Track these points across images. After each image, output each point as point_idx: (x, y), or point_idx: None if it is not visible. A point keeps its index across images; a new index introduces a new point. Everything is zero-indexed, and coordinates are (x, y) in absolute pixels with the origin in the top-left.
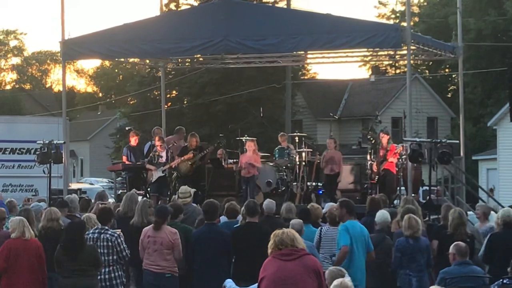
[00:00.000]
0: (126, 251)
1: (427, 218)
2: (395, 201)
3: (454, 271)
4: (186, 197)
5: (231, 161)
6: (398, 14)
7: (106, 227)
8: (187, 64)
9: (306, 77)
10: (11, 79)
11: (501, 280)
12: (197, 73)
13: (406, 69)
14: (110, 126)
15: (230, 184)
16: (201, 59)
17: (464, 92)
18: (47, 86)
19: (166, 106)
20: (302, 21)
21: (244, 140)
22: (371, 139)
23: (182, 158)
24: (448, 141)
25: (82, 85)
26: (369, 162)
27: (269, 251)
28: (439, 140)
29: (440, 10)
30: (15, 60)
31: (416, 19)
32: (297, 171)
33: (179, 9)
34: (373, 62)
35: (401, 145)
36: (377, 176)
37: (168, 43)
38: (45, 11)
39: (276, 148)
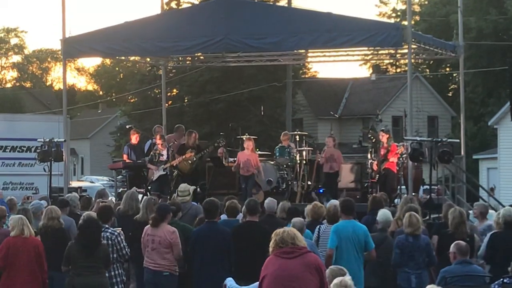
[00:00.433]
0: (126, 249)
1: (427, 217)
2: (396, 200)
3: (455, 270)
4: (185, 195)
5: (231, 159)
6: (399, 13)
7: (106, 226)
8: (187, 62)
9: (306, 76)
10: (11, 77)
11: (501, 279)
12: (198, 71)
13: (407, 68)
14: (111, 124)
15: (230, 182)
16: (201, 57)
17: (465, 91)
18: (48, 84)
19: (166, 105)
20: (303, 20)
21: (244, 138)
22: (372, 138)
23: (184, 157)
24: (448, 140)
25: (82, 83)
26: (369, 161)
27: (270, 249)
28: (439, 139)
29: (441, 9)
30: (16, 58)
31: (417, 18)
32: (298, 170)
33: (180, 7)
34: (374, 61)
35: (402, 145)
36: (377, 175)
37: (169, 42)
38: (46, 9)
39: (277, 146)
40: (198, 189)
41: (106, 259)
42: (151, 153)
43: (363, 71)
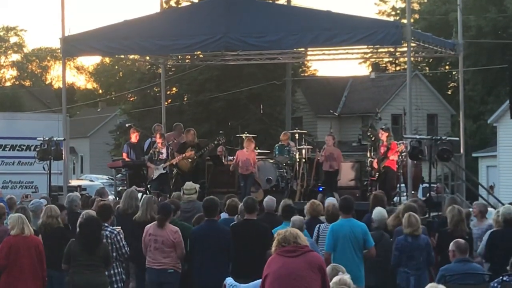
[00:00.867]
0: (126, 248)
1: (427, 215)
2: (395, 199)
3: (454, 268)
4: (191, 193)
5: (231, 158)
6: (398, 11)
7: (106, 224)
8: (187, 61)
9: (306, 74)
10: (11, 76)
11: (501, 277)
12: (197, 70)
13: (406, 66)
14: (110, 123)
15: (230, 181)
16: (201, 56)
17: (464, 89)
18: (47, 82)
19: (166, 103)
20: (302, 18)
21: (244, 137)
22: (371, 136)
23: (183, 155)
24: (448, 138)
25: (82, 81)
26: (369, 159)
27: (273, 249)
28: (439, 137)
29: (440, 7)
30: (15, 57)
31: (417, 16)
32: (297, 168)
33: (179, 6)
34: (373, 59)
35: (402, 143)
36: (377, 173)
37: (168, 40)
38: (45, 8)
39: (276, 145)
40: (198, 187)
41: (107, 258)
42: (151, 151)
43: (363, 69)
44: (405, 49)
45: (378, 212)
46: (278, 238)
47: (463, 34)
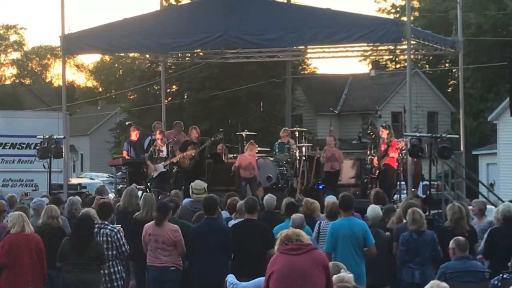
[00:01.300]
0: (126, 246)
1: (427, 213)
2: (395, 196)
3: (454, 266)
4: (201, 193)
5: (231, 156)
6: (398, 9)
7: (106, 222)
8: (187, 58)
9: (306, 72)
10: (11, 74)
11: (501, 275)
12: (197, 67)
13: (406, 64)
14: (110, 121)
15: (230, 179)
16: (201, 53)
17: (464, 87)
18: (47, 80)
19: (166, 101)
20: (302, 16)
21: (244, 135)
22: (371, 134)
23: (184, 154)
24: (448, 135)
25: (82, 79)
26: (369, 157)
27: (276, 248)
28: (439, 135)
29: (440, 4)
30: (15, 55)
31: (416, 13)
32: (297, 166)
33: (179, 4)
34: (373, 57)
35: (402, 140)
36: (377, 171)
37: (168, 38)
38: (45, 6)
39: (276, 143)
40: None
41: (100, 256)
42: (151, 149)
43: (363, 67)
44: (405, 46)
45: (372, 209)
46: (281, 237)
47: (463, 31)
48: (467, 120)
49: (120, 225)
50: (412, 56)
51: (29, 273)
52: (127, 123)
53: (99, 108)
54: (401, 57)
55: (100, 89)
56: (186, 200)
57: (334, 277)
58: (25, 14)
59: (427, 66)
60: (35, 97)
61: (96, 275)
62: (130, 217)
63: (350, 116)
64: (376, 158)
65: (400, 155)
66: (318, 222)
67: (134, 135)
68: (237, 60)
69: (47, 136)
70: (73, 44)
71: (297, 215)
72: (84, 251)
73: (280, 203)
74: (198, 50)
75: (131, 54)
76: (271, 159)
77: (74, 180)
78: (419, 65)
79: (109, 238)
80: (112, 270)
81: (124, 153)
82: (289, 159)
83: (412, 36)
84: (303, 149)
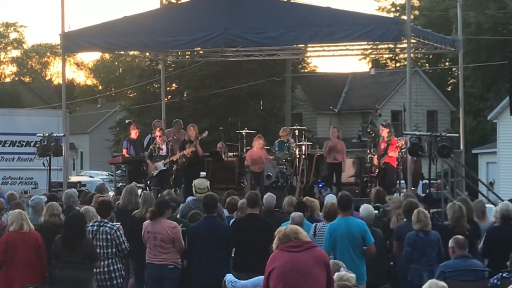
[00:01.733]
0: (125, 244)
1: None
2: (395, 195)
3: (453, 265)
4: (203, 192)
5: (230, 154)
6: (398, 8)
7: (106, 220)
8: (187, 57)
9: (306, 70)
10: (11, 72)
11: (500, 273)
12: (197, 66)
13: (406, 63)
14: (110, 119)
15: (229, 177)
16: (201, 52)
17: (464, 86)
18: (47, 78)
19: (166, 99)
20: (302, 14)
21: (244, 133)
22: (371, 132)
23: (184, 152)
24: (448, 134)
25: (82, 78)
26: (369, 156)
27: (274, 246)
28: (439, 134)
29: (440, 3)
30: (15, 53)
31: (416, 12)
32: (297, 165)
33: (179, 2)
34: (373, 56)
35: (402, 139)
36: (377, 170)
37: (168, 36)
38: (45, 4)
39: (276, 141)
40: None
41: (91, 254)
42: (150, 147)
43: (363, 66)
44: (405, 45)
45: (365, 209)
46: (278, 235)
47: (463, 30)
48: (467, 119)
49: (119, 223)
50: (412, 55)
51: (26, 271)
52: (126, 121)
53: (98, 106)
54: (401, 55)
55: (100, 87)
56: (189, 199)
57: (335, 276)
58: (25, 12)
59: (427, 64)
60: (35, 95)
61: (87, 273)
62: (130, 215)
63: (350, 115)
64: (376, 156)
65: (400, 153)
66: (314, 224)
67: (134, 134)
68: (237, 58)
69: (46, 134)
70: (73, 42)
71: (296, 214)
72: (75, 249)
73: (280, 202)
74: (198, 48)
75: (131, 52)
76: (271, 157)
77: (73, 178)
78: (419, 63)
79: (109, 236)
80: (111, 268)
81: (124, 151)
82: (288, 158)
83: (412, 34)
84: (303, 147)
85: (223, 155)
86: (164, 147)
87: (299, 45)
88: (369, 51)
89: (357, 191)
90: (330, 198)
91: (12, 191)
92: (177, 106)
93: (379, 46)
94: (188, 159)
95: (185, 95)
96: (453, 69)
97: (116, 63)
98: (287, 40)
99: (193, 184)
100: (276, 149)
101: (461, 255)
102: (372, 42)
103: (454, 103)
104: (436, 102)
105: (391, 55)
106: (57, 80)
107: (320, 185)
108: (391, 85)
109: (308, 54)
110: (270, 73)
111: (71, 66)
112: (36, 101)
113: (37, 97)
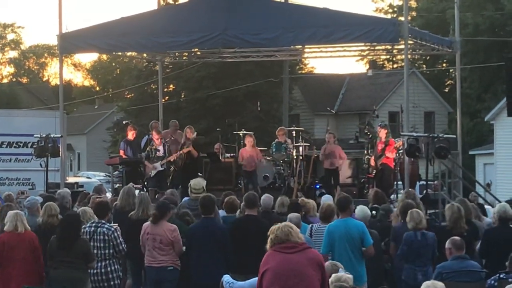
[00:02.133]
0: (123, 245)
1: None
2: (392, 196)
3: (451, 266)
4: (199, 192)
5: (228, 155)
6: (395, 9)
7: (103, 221)
8: (184, 58)
9: (303, 71)
10: (8, 73)
11: (497, 274)
12: (195, 67)
13: (403, 64)
14: (107, 120)
15: (227, 178)
16: (198, 53)
17: (462, 87)
18: (44, 79)
19: (163, 100)
20: (299, 15)
21: (241, 134)
22: (368, 133)
23: (181, 152)
24: (445, 135)
25: (79, 78)
26: (366, 157)
27: (268, 246)
28: (436, 135)
29: (437, 4)
30: (12, 54)
31: (414, 13)
32: (294, 166)
33: (176, 3)
34: (371, 57)
35: (400, 140)
36: (374, 171)
37: (165, 37)
38: (42, 4)
39: (273, 142)
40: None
41: (86, 255)
42: (148, 148)
43: (360, 67)
44: (402, 46)
45: (360, 210)
46: (271, 236)
47: (460, 31)
48: (464, 120)
49: (116, 224)
50: (409, 56)
51: (22, 272)
52: (124, 122)
53: (96, 107)
54: (398, 57)
55: (97, 88)
56: (185, 199)
57: (332, 277)
58: (23, 13)
59: (424, 66)
60: (32, 96)
61: (82, 273)
62: (127, 216)
63: (347, 116)
64: (373, 158)
65: (397, 154)
66: (310, 225)
67: (131, 135)
68: (235, 59)
69: (44, 135)
70: (70, 43)
71: (293, 215)
72: (70, 249)
73: None
74: (196, 50)
75: (129, 53)
76: (268, 158)
77: (71, 179)
78: (416, 65)
79: (106, 237)
80: (109, 269)
81: (121, 152)
82: (286, 159)
83: (410, 36)
84: (300, 148)
85: (220, 156)
86: (161, 148)
87: (297, 46)
88: (367, 52)
89: (354, 192)
90: (327, 199)
91: (9, 192)
92: (174, 107)
93: (377, 47)
94: (182, 160)
95: (182, 96)
96: (451, 70)
97: (114, 64)
98: (285, 41)
99: (189, 184)
100: (274, 150)
101: (458, 256)
102: (369, 43)
103: (451, 104)
104: (433, 103)
105: (388, 56)
106: (55, 81)
107: (318, 186)
108: (389, 86)
109: (306, 55)
110: (267, 74)
111: (68, 67)
112: (34, 102)
113: (35, 98)
